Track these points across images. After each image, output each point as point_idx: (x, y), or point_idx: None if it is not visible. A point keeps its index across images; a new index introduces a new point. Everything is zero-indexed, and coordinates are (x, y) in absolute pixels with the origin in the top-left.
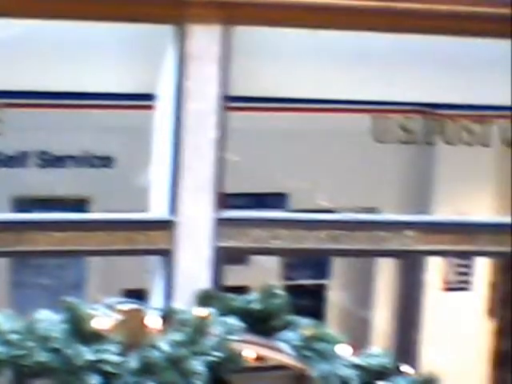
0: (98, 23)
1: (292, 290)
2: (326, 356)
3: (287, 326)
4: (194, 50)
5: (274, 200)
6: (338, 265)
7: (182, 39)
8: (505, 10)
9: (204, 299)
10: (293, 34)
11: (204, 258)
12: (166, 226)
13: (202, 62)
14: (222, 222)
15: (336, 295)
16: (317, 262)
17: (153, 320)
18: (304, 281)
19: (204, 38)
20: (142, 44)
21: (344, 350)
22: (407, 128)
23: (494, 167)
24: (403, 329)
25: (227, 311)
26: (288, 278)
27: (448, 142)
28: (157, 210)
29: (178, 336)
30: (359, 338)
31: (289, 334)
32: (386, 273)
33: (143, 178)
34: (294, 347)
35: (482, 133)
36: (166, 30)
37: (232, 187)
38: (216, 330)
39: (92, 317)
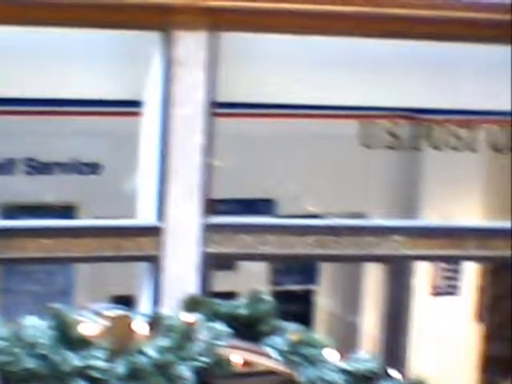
0: (84, 30)
1: (280, 296)
2: (313, 361)
3: (274, 331)
4: (180, 56)
5: (262, 206)
6: (325, 270)
7: (168, 45)
8: (504, 16)
9: (191, 305)
10: (279, 40)
11: (192, 263)
12: (153, 232)
13: (189, 68)
14: (209, 228)
15: (324, 300)
16: (305, 268)
17: (140, 326)
18: (292, 286)
19: (191, 44)
20: (128, 50)
21: (331, 355)
22: (394, 133)
23: (481, 172)
24: (391, 333)
25: (214, 316)
26: (276, 284)
27: (435, 147)
28: (144, 216)
29: (164, 342)
30: (347, 342)
31: (276, 340)
32: (373, 278)
33: (131, 185)
34: (281, 352)
35: (468, 138)
36: (152, 37)
37: (219, 193)
38: (203, 336)
39: (79, 323)
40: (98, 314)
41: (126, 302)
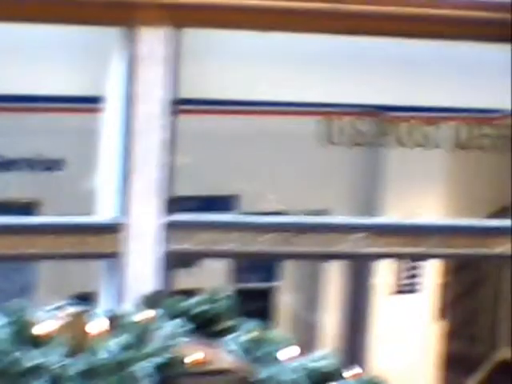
0: (46, 25)
1: (242, 293)
2: (272, 359)
3: (234, 328)
4: (142, 53)
5: (224, 203)
6: (287, 267)
7: (130, 41)
8: (505, 16)
9: (150, 301)
10: (242, 36)
11: (153, 261)
12: (115, 229)
13: (151, 65)
14: (171, 225)
15: (285, 298)
16: (266, 265)
17: (99, 323)
18: (254, 284)
19: (152, 40)
20: (90, 46)
21: (291, 353)
22: (358, 130)
23: (446, 169)
24: (352, 331)
25: (174, 313)
26: (238, 281)
27: (400, 144)
28: (106, 213)
29: (124, 339)
30: (308, 340)
31: (235, 337)
32: (335, 275)
33: (93, 181)
34: (240, 350)
35: (433, 135)
36: (114, 33)
37: (181, 190)
38: (162, 333)
39: (37, 320)
40: (56, 310)
41: (88, 299)
